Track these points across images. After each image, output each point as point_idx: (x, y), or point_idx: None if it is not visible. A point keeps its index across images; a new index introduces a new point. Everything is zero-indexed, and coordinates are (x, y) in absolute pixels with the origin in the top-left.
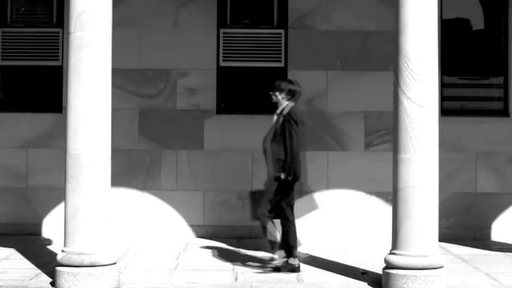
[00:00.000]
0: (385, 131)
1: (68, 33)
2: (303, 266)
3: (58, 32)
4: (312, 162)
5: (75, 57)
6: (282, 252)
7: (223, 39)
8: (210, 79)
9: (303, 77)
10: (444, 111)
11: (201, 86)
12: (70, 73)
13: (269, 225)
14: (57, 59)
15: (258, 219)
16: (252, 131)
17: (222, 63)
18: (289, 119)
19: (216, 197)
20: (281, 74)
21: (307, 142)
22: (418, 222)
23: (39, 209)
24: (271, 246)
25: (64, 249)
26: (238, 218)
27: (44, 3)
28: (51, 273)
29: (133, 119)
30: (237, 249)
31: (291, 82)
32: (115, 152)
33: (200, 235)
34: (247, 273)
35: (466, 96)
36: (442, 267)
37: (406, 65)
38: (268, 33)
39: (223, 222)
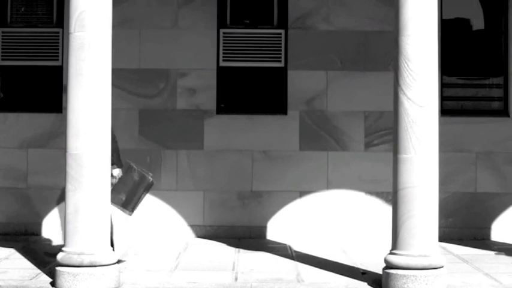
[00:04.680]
0: (385, 131)
1: (68, 33)
2: (303, 266)
3: (58, 32)
4: (312, 162)
5: (75, 57)
6: None
7: (223, 39)
8: (210, 79)
9: (303, 77)
10: (444, 111)
11: (201, 86)
12: (70, 73)
13: None
14: (57, 59)
15: None
16: (252, 131)
17: (222, 63)
18: None
19: (216, 197)
20: (281, 74)
21: (308, 142)
22: (418, 222)
23: (40, 209)
24: None
25: (64, 249)
26: (238, 218)
27: (44, 3)
28: (51, 273)
29: (133, 119)
30: (237, 249)
31: None
32: None
33: (200, 235)
34: (247, 273)
35: (466, 96)
36: (442, 267)
37: (406, 65)
38: (268, 33)
39: (223, 222)
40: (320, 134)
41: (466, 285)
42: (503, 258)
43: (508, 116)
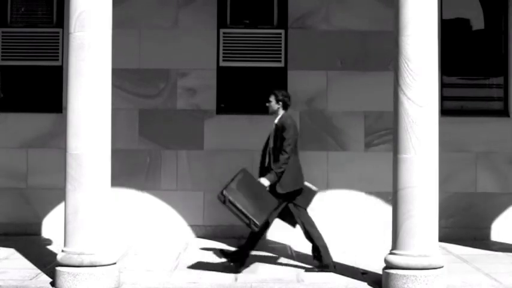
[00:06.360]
0: (385, 131)
1: (68, 33)
2: (303, 266)
3: (58, 32)
4: (312, 162)
5: (75, 57)
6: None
7: (223, 39)
8: (210, 79)
9: (303, 77)
10: (444, 111)
11: (201, 86)
12: (70, 73)
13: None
14: (57, 59)
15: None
16: (251, 131)
17: (222, 63)
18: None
19: (216, 197)
20: (281, 74)
21: (308, 142)
22: (418, 222)
23: (39, 209)
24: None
25: (64, 249)
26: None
27: (44, 3)
28: (51, 273)
29: (133, 119)
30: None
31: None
32: (115, 152)
33: (200, 235)
34: (247, 274)
35: (466, 96)
36: (442, 267)
37: (406, 65)
38: (268, 33)
39: (223, 222)
40: (320, 134)
41: (466, 285)
42: (504, 258)
43: (508, 116)
